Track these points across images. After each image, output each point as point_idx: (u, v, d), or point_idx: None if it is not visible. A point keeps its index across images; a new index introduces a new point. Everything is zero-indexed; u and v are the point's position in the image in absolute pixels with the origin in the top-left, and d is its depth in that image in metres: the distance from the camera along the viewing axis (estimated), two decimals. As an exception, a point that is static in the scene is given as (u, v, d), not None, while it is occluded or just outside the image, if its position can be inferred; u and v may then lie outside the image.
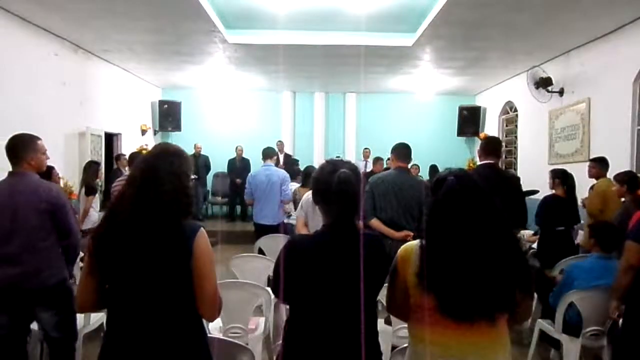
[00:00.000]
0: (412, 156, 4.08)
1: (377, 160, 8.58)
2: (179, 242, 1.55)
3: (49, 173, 4.23)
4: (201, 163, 10.05)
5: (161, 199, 1.56)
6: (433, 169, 9.64)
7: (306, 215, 4.10)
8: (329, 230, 1.72)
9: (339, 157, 10.62)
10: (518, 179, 3.93)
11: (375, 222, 3.73)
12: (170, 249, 1.53)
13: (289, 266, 1.67)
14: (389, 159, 8.41)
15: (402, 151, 3.98)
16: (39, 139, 2.81)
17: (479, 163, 4.02)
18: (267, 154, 5.48)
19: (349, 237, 1.67)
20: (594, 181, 5.00)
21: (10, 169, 2.69)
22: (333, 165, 1.76)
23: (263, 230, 5.12)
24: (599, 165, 4.95)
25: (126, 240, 1.54)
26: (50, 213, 2.64)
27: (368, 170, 9.62)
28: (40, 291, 2.63)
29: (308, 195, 4.00)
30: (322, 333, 1.63)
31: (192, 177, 1.73)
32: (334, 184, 1.69)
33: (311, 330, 1.64)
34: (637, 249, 2.63)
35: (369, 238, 1.72)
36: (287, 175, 5.45)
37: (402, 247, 1.75)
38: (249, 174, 5.64)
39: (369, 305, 1.66)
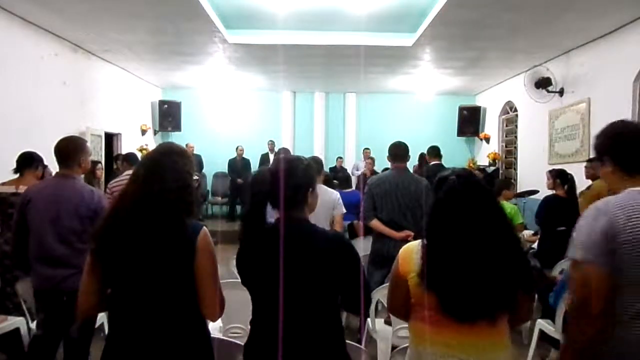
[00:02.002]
0: (412, 156, 4.05)
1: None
2: (182, 241, 1.54)
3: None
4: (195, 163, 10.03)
5: (165, 196, 1.56)
6: (422, 157, 9.44)
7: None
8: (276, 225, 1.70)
9: (340, 158, 10.72)
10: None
11: (375, 223, 3.71)
12: (174, 248, 1.53)
13: (240, 260, 1.71)
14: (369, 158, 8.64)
15: (396, 152, 3.93)
16: (86, 141, 2.96)
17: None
18: (278, 154, 5.52)
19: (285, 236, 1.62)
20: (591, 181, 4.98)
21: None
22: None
23: None
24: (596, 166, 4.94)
25: (128, 238, 1.53)
26: (91, 219, 2.65)
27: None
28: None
29: None
30: (269, 326, 1.62)
31: (195, 177, 1.73)
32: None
33: (261, 323, 1.67)
34: None
35: (303, 231, 1.66)
36: None
37: (404, 247, 1.75)
38: None
39: (312, 299, 1.61)
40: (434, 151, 6.35)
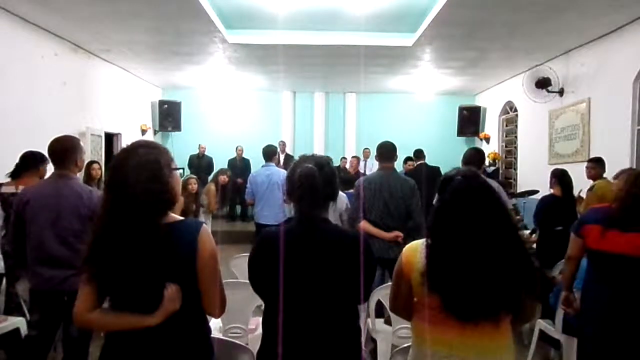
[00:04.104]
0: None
1: (408, 160, 8.44)
2: (181, 240, 1.52)
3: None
4: (204, 164, 10.05)
5: (132, 193, 1.47)
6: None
7: None
8: (296, 225, 1.70)
9: (344, 159, 10.80)
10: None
11: (364, 225, 3.65)
12: (163, 247, 1.49)
13: (260, 259, 1.67)
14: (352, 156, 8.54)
15: (384, 152, 3.92)
16: (79, 139, 2.94)
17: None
18: (267, 153, 5.48)
19: (312, 233, 1.65)
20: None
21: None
22: (299, 161, 1.76)
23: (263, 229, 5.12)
24: (599, 166, 4.94)
25: (114, 243, 1.48)
26: (90, 219, 2.64)
27: (370, 170, 9.66)
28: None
29: None
30: (291, 329, 1.61)
31: (176, 168, 1.63)
32: (295, 180, 1.69)
33: (282, 326, 1.62)
34: (576, 241, 2.63)
35: (336, 234, 1.70)
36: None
37: (407, 246, 1.75)
38: (250, 174, 5.66)
39: (339, 302, 1.64)
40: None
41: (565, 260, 2.81)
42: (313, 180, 1.67)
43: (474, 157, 4.08)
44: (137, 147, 1.56)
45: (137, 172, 1.49)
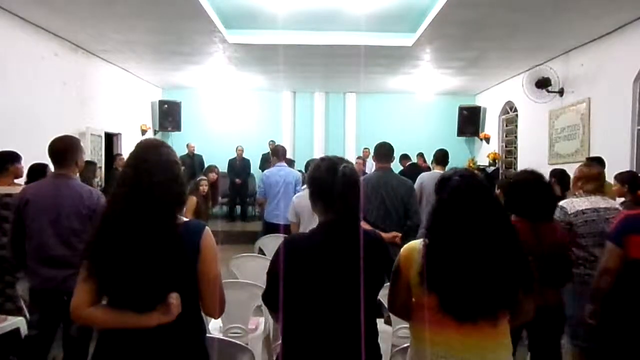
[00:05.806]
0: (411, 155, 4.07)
1: (404, 157, 8.48)
2: (185, 241, 1.52)
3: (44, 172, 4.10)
4: (197, 162, 10.03)
5: (153, 191, 1.50)
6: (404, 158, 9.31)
7: (300, 220, 4.01)
8: (331, 228, 1.66)
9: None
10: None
11: (363, 225, 3.65)
12: (175, 248, 1.49)
13: (288, 268, 1.61)
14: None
15: (381, 152, 3.93)
16: (79, 140, 2.95)
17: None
18: (279, 153, 5.52)
19: (351, 236, 1.63)
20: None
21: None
22: (329, 161, 1.72)
23: (272, 229, 5.13)
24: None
25: (123, 239, 1.48)
26: (89, 218, 2.65)
27: (370, 170, 9.67)
28: None
29: (303, 198, 3.80)
30: (320, 336, 1.59)
31: (182, 168, 1.67)
32: (339, 179, 1.64)
33: (309, 333, 1.60)
34: (616, 251, 2.47)
35: (371, 238, 1.69)
36: (300, 175, 5.50)
37: (405, 246, 1.75)
38: (263, 173, 5.71)
39: (369, 307, 1.63)
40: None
41: (600, 273, 2.57)
42: (357, 181, 1.68)
43: (446, 157, 5.23)
44: (158, 146, 1.60)
45: (161, 172, 1.53)
